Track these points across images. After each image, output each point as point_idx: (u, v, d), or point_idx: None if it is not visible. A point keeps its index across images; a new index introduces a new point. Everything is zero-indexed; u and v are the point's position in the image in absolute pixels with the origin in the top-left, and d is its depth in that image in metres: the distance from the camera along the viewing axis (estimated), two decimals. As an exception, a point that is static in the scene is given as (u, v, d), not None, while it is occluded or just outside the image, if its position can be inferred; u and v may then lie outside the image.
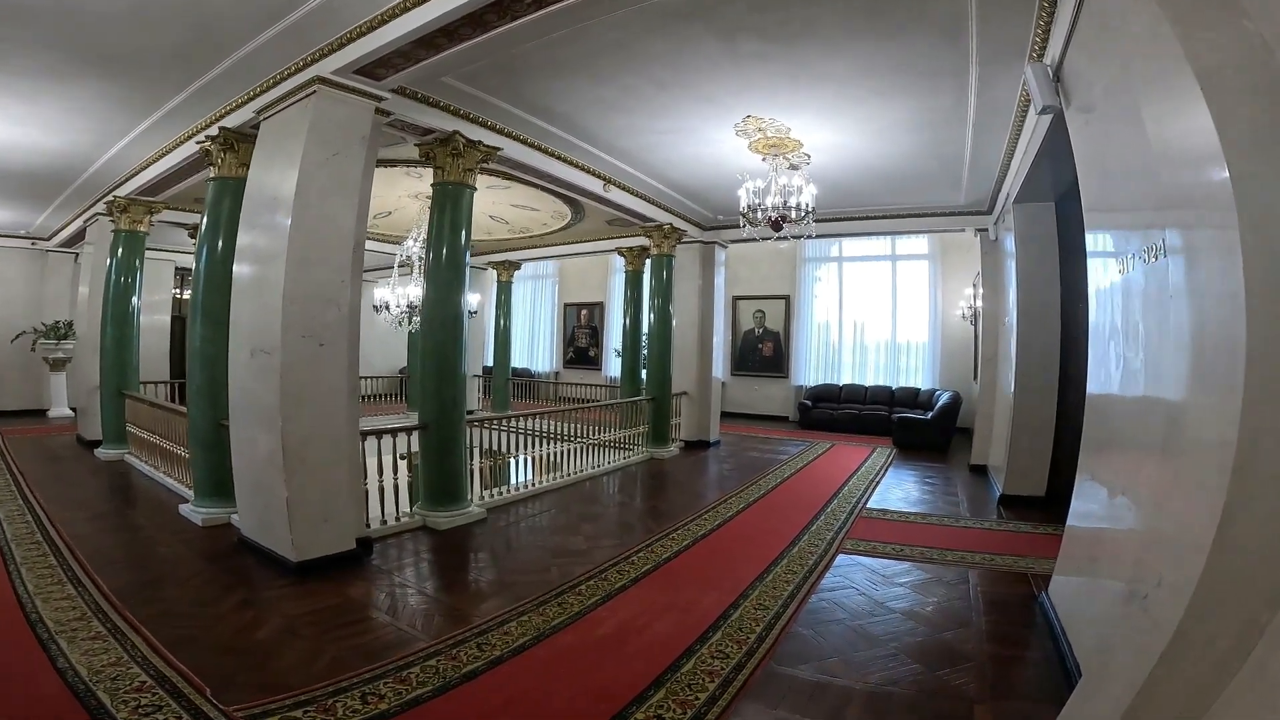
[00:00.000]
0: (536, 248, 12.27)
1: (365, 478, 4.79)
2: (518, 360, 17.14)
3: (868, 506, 6.14)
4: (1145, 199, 2.48)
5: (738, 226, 9.49)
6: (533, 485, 6.66)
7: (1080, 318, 6.12)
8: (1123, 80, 2.57)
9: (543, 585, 3.99)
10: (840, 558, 4.58)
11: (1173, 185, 2.05)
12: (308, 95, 4.33)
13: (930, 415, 9.81)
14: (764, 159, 6.20)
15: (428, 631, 3.36)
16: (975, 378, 10.40)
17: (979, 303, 9.11)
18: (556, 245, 11.89)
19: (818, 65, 4.33)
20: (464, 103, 5.27)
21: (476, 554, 4.79)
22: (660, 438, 8.92)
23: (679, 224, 9.00)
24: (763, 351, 13.77)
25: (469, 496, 5.57)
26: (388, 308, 8.39)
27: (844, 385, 12.54)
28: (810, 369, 13.16)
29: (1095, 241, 3.30)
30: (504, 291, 13.01)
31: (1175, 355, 1.94)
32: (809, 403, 12.17)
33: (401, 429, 5.31)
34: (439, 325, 5.40)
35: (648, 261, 9.57)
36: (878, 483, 7.26)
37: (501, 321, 12.92)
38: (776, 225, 5.66)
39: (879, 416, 11.27)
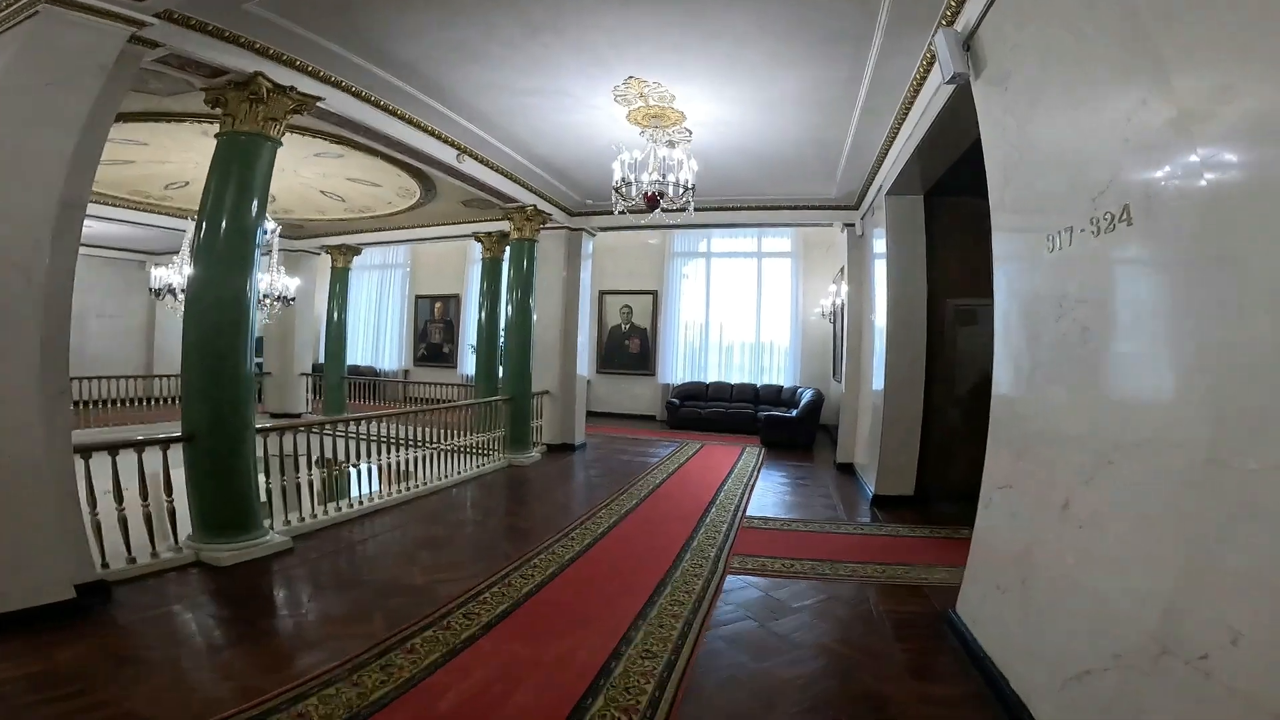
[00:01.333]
0: (381, 230, 10.82)
1: (95, 505, 3.50)
2: (362, 357, 15.43)
3: (747, 515, 5.71)
4: (1104, 159, 2.11)
5: (608, 212, 8.85)
6: (363, 503, 5.50)
7: (942, 313, 6.18)
8: (1093, 37, 2.18)
9: (362, 640, 3.02)
10: (729, 579, 4.03)
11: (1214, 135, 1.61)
12: (27, 17, 3.12)
13: (796, 413, 9.80)
14: (642, 132, 5.57)
15: (181, 718, 2.32)
16: (835, 375, 10.61)
17: (842, 299, 9.21)
18: (405, 228, 10.54)
19: (716, 16, 3.74)
20: (275, 38, 4.13)
21: (271, 598, 3.67)
22: (519, 442, 8.02)
23: (544, 206, 8.16)
24: (629, 348, 13.29)
25: (265, 523, 4.37)
26: (173, 292, 6.74)
27: (711, 383, 12.37)
28: (677, 367, 12.88)
29: (1010, 217, 3.00)
30: (340, 279, 11.37)
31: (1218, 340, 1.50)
32: (676, 401, 11.84)
33: (153, 442, 3.97)
34: (213, 309, 4.11)
35: (508, 249, 8.62)
36: (752, 486, 6.93)
37: (336, 313, 11.26)
38: (653, 203, 5.05)
39: (745, 415, 11.18)
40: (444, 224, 10.13)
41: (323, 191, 8.87)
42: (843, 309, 9.15)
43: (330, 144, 6.53)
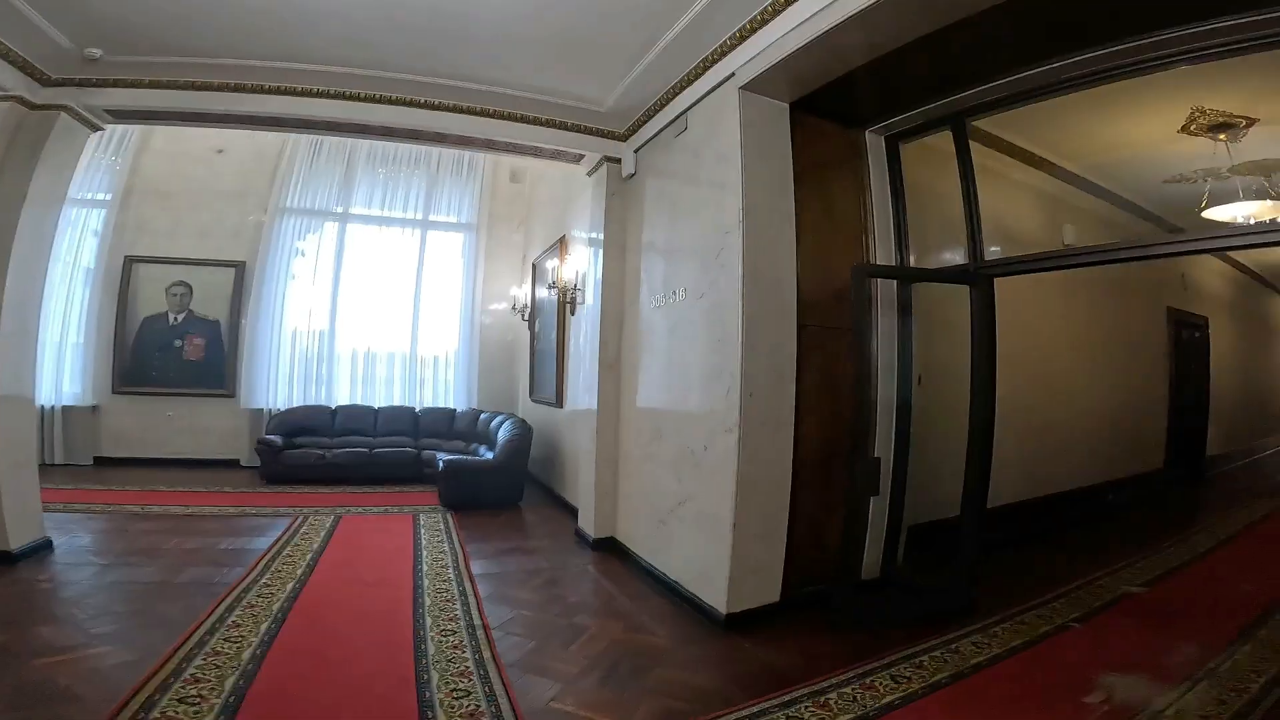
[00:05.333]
0: None
1: None
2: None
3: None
4: None
5: (103, 82, 4.02)
6: None
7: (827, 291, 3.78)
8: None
9: None
10: None
11: None
12: None
13: (495, 456, 6.42)
14: None
15: None
16: (533, 393, 7.65)
17: (560, 284, 6.31)
18: None
19: None
20: None
21: None
22: None
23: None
24: (185, 353, 7.89)
25: None
26: None
27: (340, 408, 8.01)
28: (279, 383, 8.07)
29: None
30: None
31: None
32: (277, 440, 7.13)
33: None
34: None
35: None
36: (483, 626, 3.40)
37: None
38: None
39: (402, 455, 7.28)
40: None
41: None
42: (566, 299, 6.26)
43: None
